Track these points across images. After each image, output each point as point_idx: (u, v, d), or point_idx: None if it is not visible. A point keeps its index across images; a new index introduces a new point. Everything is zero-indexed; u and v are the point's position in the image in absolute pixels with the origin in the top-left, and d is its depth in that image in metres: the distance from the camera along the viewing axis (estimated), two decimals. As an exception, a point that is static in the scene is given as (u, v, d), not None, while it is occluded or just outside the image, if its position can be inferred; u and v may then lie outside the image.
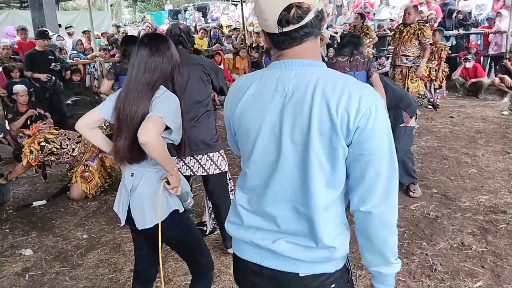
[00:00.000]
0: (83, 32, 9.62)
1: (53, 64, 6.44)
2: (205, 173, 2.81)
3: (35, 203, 4.10)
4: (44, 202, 4.14)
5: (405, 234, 3.16)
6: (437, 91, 7.47)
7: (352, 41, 3.88)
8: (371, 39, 8.02)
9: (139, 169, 1.88)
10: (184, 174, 2.71)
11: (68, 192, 4.25)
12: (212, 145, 2.77)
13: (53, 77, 6.39)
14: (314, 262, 1.15)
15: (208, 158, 2.77)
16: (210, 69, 2.77)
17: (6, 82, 6.27)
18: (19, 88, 5.77)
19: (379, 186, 1.08)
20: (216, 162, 2.80)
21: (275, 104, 1.12)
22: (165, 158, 1.76)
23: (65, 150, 4.08)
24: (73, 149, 4.13)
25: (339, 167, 1.09)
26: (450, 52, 7.89)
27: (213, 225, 3.26)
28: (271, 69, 1.18)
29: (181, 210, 1.97)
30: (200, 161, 2.77)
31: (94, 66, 8.34)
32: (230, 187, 3.02)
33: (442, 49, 7.39)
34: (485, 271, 2.70)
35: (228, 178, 3.00)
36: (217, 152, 2.82)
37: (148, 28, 11.21)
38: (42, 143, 3.96)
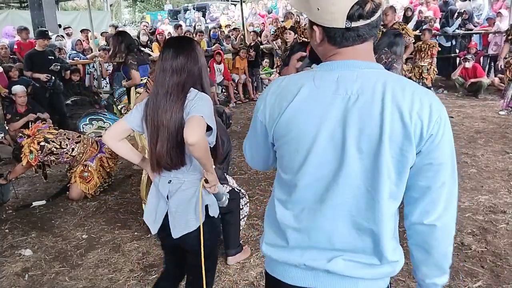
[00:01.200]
0: (81, 31, 9.60)
1: (53, 64, 6.44)
2: None
3: (35, 203, 4.10)
4: (43, 202, 4.14)
5: (405, 234, 3.15)
6: (432, 89, 7.47)
7: (388, 40, 3.77)
8: None
9: (178, 176, 1.82)
10: None
11: (67, 192, 4.25)
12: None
13: (53, 77, 6.39)
14: (374, 279, 1.08)
15: None
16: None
17: (7, 82, 6.26)
18: (17, 89, 5.76)
19: (443, 196, 1.03)
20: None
21: (335, 109, 1.01)
22: (207, 158, 1.73)
23: (64, 150, 4.08)
24: (73, 149, 4.13)
25: (405, 178, 1.03)
26: (439, 49, 7.88)
27: None
28: (324, 69, 1.07)
29: (215, 212, 1.90)
30: None
31: (93, 66, 8.35)
32: (245, 201, 2.99)
33: (433, 46, 7.41)
34: (484, 271, 2.70)
35: (238, 191, 2.92)
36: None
37: (145, 27, 11.23)
38: (42, 143, 3.96)
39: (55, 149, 4.03)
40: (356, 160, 1.01)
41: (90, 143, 4.31)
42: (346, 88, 1.02)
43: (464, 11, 9.67)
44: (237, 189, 2.94)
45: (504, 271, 2.69)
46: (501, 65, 7.12)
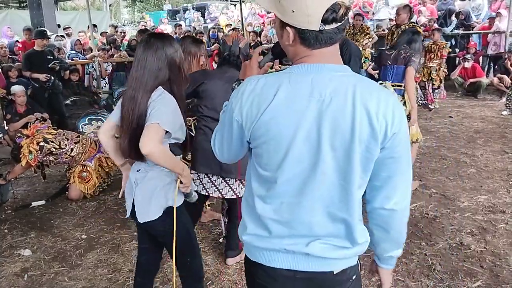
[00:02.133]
0: (88, 27, 9.61)
1: (52, 62, 6.41)
2: (234, 196, 2.70)
3: (34, 203, 4.10)
4: (43, 202, 4.14)
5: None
6: (436, 91, 7.46)
7: (407, 37, 3.97)
8: (370, 39, 8.01)
9: (145, 167, 1.89)
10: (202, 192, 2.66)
11: (67, 193, 4.24)
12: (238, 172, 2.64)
13: (52, 77, 6.38)
14: (347, 258, 1.20)
15: (225, 184, 2.65)
16: None
17: (5, 82, 6.26)
18: (16, 89, 5.75)
19: (401, 184, 1.16)
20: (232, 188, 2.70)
21: (311, 111, 1.09)
22: (171, 163, 1.77)
23: (63, 150, 4.07)
24: (72, 149, 4.12)
25: (370, 171, 1.14)
26: (450, 50, 7.88)
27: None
28: (299, 72, 1.13)
29: (180, 202, 1.97)
30: (215, 183, 2.66)
31: (92, 66, 8.33)
32: None
33: (443, 47, 7.39)
34: (484, 271, 2.71)
35: None
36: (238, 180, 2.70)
37: (143, 27, 11.24)
38: (41, 143, 3.95)
39: (54, 150, 4.02)
40: (330, 157, 1.10)
41: (89, 143, 4.30)
42: (320, 91, 1.09)
43: (461, 11, 9.67)
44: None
45: (503, 270, 2.70)
46: None
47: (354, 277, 1.25)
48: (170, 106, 1.78)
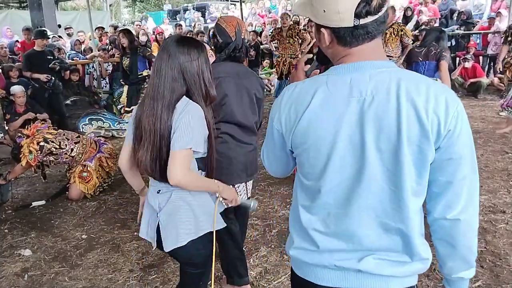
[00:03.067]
0: (96, 29, 9.65)
1: (52, 62, 6.41)
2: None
3: (34, 203, 4.10)
4: (43, 202, 4.14)
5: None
6: None
7: (435, 35, 4.24)
8: None
9: (167, 187, 1.68)
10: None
11: (67, 193, 4.24)
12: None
13: (53, 78, 6.38)
14: (405, 276, 1.09)
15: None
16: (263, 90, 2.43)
17: (5, 82, 6.26)
18: (16, 89, 5.75)
19: (464, 190, 1.03)
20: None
21: (351, 112, 1.01)
22: (203, 186, 1.65)
23: (64, 150, 4.07)
24: (72, 149, 4.12)
25: (425, 174, 1.02)
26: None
27: None
28: (336, 73, 1.06)
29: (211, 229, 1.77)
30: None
31: (93, 66, 8.34)
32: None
33: None
34: (484, 271, 2.70)
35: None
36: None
37: (138, 26, 11.27)
38: (41, 143, 3.95)
39: (54, 149, 4.02)
40: (377, 160, 1.01)
41: (89, 143, 4.31)
42: (360, 90, 1.01)
43: (463, 11, 9.68)
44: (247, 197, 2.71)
45: (503, 271, 2.70)
46: (499, 68, 7.12)
47: None
48: (196, 119, 1.60)
